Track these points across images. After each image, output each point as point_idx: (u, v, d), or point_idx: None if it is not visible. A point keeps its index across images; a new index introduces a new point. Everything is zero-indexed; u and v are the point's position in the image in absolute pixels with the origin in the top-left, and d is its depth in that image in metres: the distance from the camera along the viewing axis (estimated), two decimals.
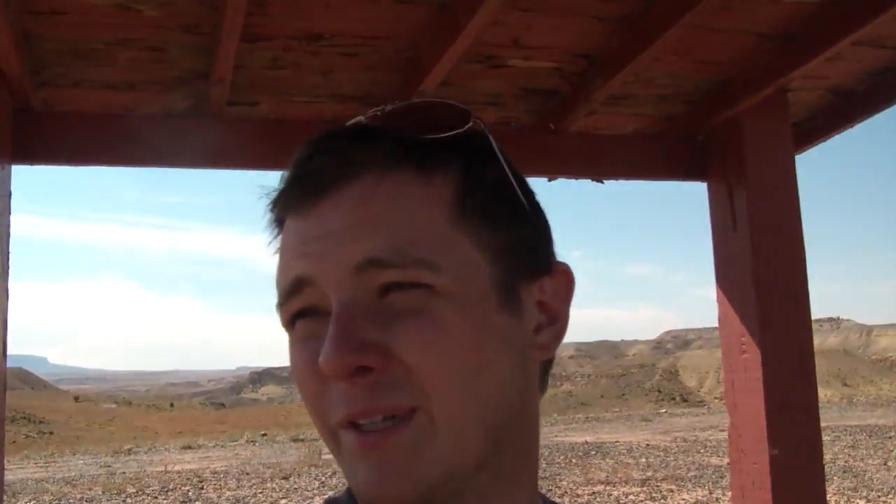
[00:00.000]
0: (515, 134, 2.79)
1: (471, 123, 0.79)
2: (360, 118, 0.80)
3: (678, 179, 3.00)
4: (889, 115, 2.80)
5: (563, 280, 0.84)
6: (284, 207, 0.80)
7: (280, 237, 0.81)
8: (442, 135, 0.77)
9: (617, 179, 2.94)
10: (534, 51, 2.43)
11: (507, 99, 2.68)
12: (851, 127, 2.84)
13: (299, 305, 0.76)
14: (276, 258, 0.81)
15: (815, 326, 2.77)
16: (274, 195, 0.81)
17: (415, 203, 0.75)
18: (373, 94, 2.56)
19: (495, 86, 2.60)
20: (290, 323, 0.78)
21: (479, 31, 2.11)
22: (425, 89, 2.36)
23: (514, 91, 2.64)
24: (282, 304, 0.78)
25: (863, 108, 2.78)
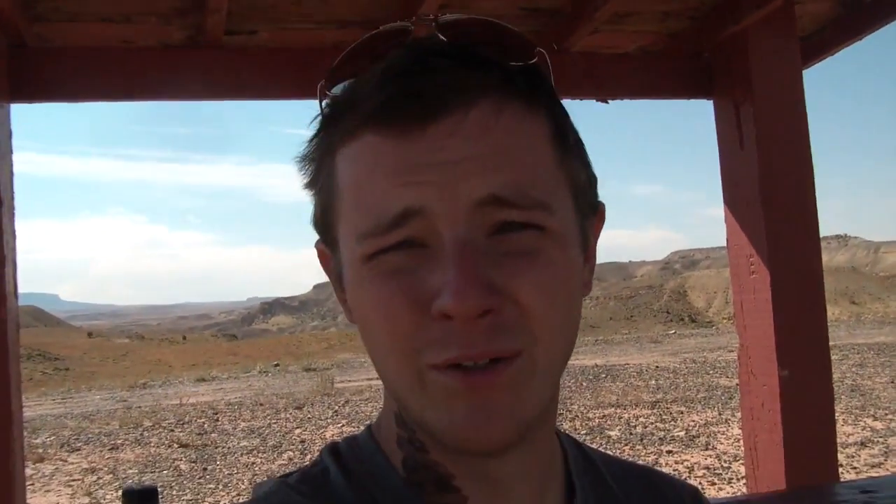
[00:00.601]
0: None
1: (538, 52, 0.75)
2: (408, 24, 0.73)
3: (683, 97, 2.97)
4: None
5: (600, 218, 0.84)
6: (369, 122, 0.70)
7: (347, 154, 0.73)
8: (533, 62, 0.74)
9: (621, 99, 2.90)
10: None
11: (508, 19, 2.60)
12: (860, 40, 2.79)
13: (401, 237, 0.69)
14: (343, 176, 0.73)
15: (822, 244, 2.75)
16: (347, 105, 0.72)
17: (530, 138, 0.72)
18: (373, 17, 2.52)
19: (495, 6, 2.56)
20: (374, 254, 0.70)
21: None
22: (426, 11, 2.32)
23: (514, 11, 2.60)
24: (379, 235, 0.69)
25: (871, 19, 2.72)
